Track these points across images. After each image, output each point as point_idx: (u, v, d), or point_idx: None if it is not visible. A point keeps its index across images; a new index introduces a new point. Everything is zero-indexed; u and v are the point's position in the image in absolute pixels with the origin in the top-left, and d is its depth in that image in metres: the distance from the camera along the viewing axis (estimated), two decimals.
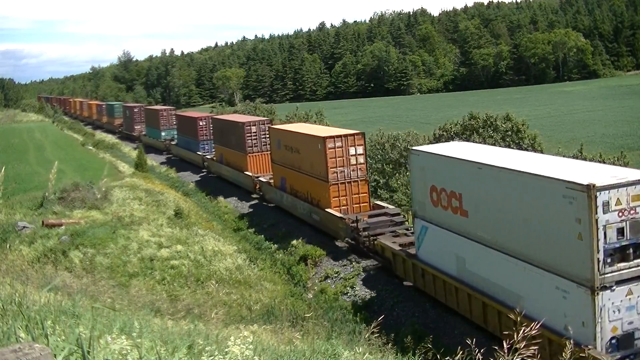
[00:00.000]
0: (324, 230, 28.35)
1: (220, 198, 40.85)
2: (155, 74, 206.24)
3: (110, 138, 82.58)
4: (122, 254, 23.58)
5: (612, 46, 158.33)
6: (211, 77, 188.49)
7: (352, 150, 27.33)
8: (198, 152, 51.82)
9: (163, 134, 64.13)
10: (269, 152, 37.15)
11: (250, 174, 39.40)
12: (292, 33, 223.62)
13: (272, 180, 36.01)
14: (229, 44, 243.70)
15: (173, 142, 61.80)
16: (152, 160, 56.39)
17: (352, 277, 24.98)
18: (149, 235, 25.92)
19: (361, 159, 27.55)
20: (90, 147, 67.61)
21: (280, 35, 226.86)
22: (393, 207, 28.01)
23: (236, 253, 26.70)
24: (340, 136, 27.48)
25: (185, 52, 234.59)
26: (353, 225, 25.27)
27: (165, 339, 5.93)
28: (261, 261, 26.83)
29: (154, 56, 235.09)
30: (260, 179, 38.02)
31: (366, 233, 24.59)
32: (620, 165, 25.85)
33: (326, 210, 27.63)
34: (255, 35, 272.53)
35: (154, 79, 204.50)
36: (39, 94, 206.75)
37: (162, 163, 57.79)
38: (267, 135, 37.94)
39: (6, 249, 22.13)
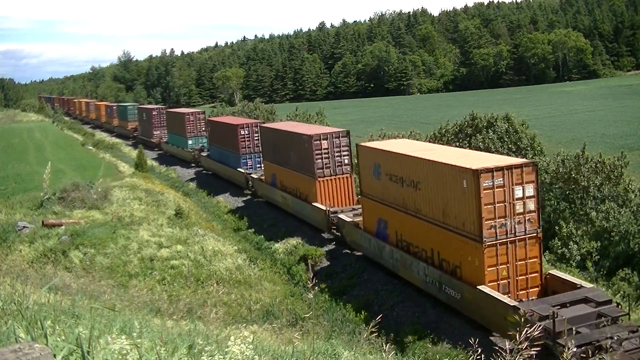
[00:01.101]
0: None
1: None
2: (155, 74, 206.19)
3: (111, 139, 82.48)
4: (122, 254, 23.58)
5: (612, 46, 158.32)
6: (211, 77, 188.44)
7: (518, 192, 17.42)
8: (239, 169, 42.13)
9: (190, 142, 56.12)
10: (353, 175, 30.41)
11: (322, 206, 29.20)
12: (292, 33, 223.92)
13: (359, 221, 25.77)
14: (229, 44, 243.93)
15: (204, 153, 53.03)
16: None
17: (352, 277, 24.98)
18: (149, 235, 25.92)
19: (531, 205, 17.56)
20: (90, 147, 67.67)
21: (280, 35, 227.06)
22: (586, 282, 17.63)
23: (236, 253, 26.69)
24: (501, 168, 17.32)
25: (185, 52, 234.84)
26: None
27: (165, 339, 5.93)
28: (261, 261, 26.82)
29: (154, 56, 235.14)
30: (340, 215, 27.72)
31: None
32: (621, 165, 25.86)
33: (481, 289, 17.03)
34: (255, 35, 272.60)
35: (154, 79, 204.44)
36: (40, 94, 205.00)
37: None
38: (347, 153, 30.39)
39: (6, 249, 22.15)
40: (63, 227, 25.62)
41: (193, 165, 54.87)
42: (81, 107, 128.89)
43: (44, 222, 25.98)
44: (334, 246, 28.32)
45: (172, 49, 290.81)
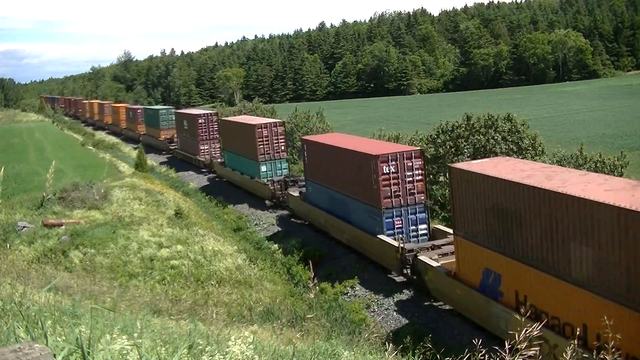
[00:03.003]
0: None
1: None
2: (155, 74, 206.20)
3: (111, 138, 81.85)
4: (122, 254, 23.57)
5: (612, 46, 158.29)
6: (211, 77, 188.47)
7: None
8: (380, 237, 24.39)
9: (263, 168, 39.44)
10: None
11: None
12: (292, 33, 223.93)
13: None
14: (229, 44, 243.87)
15: (295, 192, 34.53)
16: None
17: (352, 277, 25.00)
18: (149, 235, 25.91)
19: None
20: (90, 147, 67.61)
21: (280, 35, 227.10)
22: None
23: (236, 253, 26.69)
24: None
25: (185, 52, 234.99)
26: None
27: (165, 339, 5.93)
28: (261, 261, 26.82)
29: (154, 56, 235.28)
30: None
31: None
32: (621, 165, 25.89)
33: None
34: (255, 35, 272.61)
35: (154, 79, 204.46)
36: (43, 95, 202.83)
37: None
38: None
39: (6, 249, 22.14)
40: (63, 227, 25.62)
41: (270, 203, 38.05)
42: (92, 110, 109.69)
43: (44, 222, 25.97)
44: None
45: (172, 49, 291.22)
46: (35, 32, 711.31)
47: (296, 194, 34.05)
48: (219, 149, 51.67)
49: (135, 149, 63.60)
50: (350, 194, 26.75)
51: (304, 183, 33.39)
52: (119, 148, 70.17)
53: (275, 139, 39.21)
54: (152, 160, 58.34)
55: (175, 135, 63.32)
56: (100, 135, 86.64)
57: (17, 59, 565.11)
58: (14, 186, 36.02)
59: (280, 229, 34.51)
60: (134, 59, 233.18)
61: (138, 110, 79.07)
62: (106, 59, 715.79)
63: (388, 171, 24.13)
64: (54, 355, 3.06)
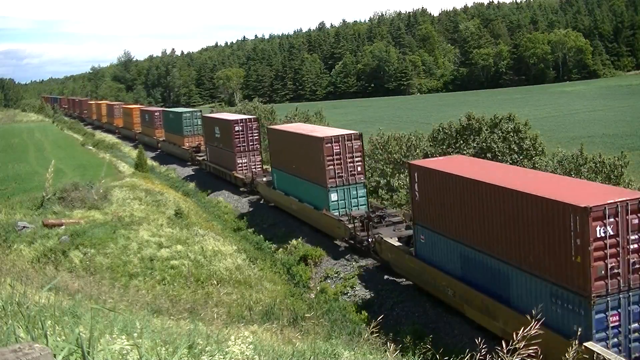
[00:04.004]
0: None
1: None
2: (155, 74, 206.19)
3: (111, 138, 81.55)
4: (122, 254, 23.58)
5: (612, 46, 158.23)
6: (211, 77, 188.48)
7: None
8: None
9: (334, 196, 29.29)
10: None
11: None
12: (292, 33, 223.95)
13: None
14: (229, 44, 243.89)
15: (392, 239, 24.39)
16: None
17: (352, 277, 24.99)
18: (149, 235, 25.92)
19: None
20: (90, 147, 67.60)
21: (280, 35, 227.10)
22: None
23: (236, 253, 26.69)
24: None
25: (185, 52, 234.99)
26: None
27: (165, 339, 5.93)
28: (261, 261, 26.83)
29: (154, 56, 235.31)
30: None
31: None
32: (621, 165, 25.85)
33: None
34: (255, 35, 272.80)
35: (154, 79, 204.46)
36: (45, 95, 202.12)
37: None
38: None
39: (6, 249, 22.14)
40: (63, 227, 25.62)
41: (343, 244, 28.29)
42: (100, 111, 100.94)
43: (44, 222, 25.98)
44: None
45: (173, 49, 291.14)
46: (36, 32, 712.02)
47: (395, 243, 23.54)
48: (259, 163, 42.61)
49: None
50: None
51: (398, 219, 26.25)
52: (119, 148, 70.14)
53: (350, 157, 29.21)
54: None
55: (203, 144, 52.70)
56: (100, 135, 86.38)
57: (18, 59, 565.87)
58: (14, 186, 36.04)
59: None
60: (134, 59, 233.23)
61: (155, 113, 68.73)
62: (106, 59, 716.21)
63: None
64: (54, 355, 3.06)
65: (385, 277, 24.09)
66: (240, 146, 42.50)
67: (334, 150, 28.94)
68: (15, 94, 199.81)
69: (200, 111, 61.79)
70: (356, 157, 29.40)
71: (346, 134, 29.48)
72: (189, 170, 53.55)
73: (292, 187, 33.69)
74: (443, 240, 20.03)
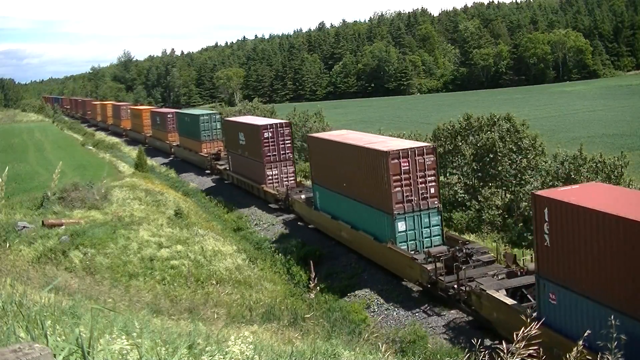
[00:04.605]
0: None
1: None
2: (155, 74, 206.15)
3: (111, 138, 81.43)
4: (122, 254, 23.59)
5: (612, 46, 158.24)
6: (211, 77, 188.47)
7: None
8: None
9: (401, 226, 23.36)
10: None
11: None
12: (292, 33, 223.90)
13: None
14: (229, 44, 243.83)
15: (494, 292, 18.52)
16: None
17: (352, 277, 24.98)
18: (149, 235, 25.93)
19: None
20: (90, 147, 67.61)
21: (280, 35, 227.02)
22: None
23: (236, 253, 26.70)
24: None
25: (185, 52, 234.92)
26: None
27: (165, 339, 5.93)
28: (261, 261, 26.83)
29: (154, 56, 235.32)
30: None
31: None
32: (621, 165, 25.87)
33: None
34: (255, 35, 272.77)
35: (154, 79, 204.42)
36: (45, 95, 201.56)
37: None
38: None
39: (6, 249, 22.13)
40: (63, 227, 25.63)
41: (417, 288, 22.69)
42: (105, 112, 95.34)
43: (44, 222, 25.98)
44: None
45: (173, 49, 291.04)
46: (36, 32, 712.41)
47: (506, 300, 17.67)
48: (292, 175, 37.44)
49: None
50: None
51: (489, 257, 21.19)
52: (119, 148, 70.14)
53: (422, 176, 23.27)
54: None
55: (223, 150, 48.25)
56: (100, 135, 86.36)
57: (18, 58, 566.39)
58: (14, 186, 36.00)
59: None
60: (134, 59, 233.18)
61: (168, 115, 63.11)
62: (106, 59, 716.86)
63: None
64: (54, 355, 3.06)
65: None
66: (270, 155, 36.97)
67: (402, 168, 22.88)
68: (15, 94, 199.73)
69: (220, 114, 57.09)
70: (429, 175, 23.24)
71: (417, 147, 23.47)
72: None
73: (341, 210, 27.36)
74: (593, 308, 13.84)
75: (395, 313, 21.31)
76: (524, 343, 4.32)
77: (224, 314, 17.65)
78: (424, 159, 23.24)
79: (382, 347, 7.23)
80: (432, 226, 23.40)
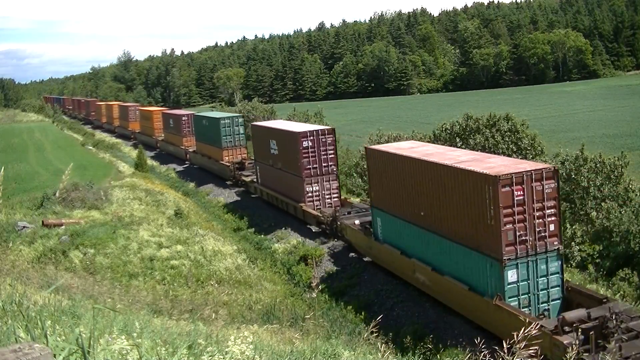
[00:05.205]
0: None
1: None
2: (155, 74, 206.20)
3: (111, 138, 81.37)
4: (122, 254, 23.59)
5: (612, 46, 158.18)
6: (211, 77, 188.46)
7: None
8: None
9: (512, 276, 17.30)
10: None
11: None
12: (292, 33, 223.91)
13: None
14: (229, 44, 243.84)
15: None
16: None
17: (352, 277, 24.98)
18: (149, 235, 25.93)
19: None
20: (90, 147, 67.61)
21: (280, 35, 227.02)
22: None
23: (236, 253, 26.70)
24: None
25: (185, 52, 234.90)
26: None
27: (165, 339, 5.93)
28: (261, 261, 26.83)
29: (154, 56, 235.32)
30: None
31: None
32: (621, 165, 25.86)
33: None
34: (255, 35, 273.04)
35: (154, 79, 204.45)
36: (44, 95, 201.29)
37: None
38: None
39: (6, 249, 22.13)
40: (63, 227, 25.63)
41: None
42: (110, 113, 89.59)
43: (44, 222, 25.98)
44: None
45: (172, 49, 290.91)
46: (36, 32, 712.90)
47: None
48: (336, 192, 31.60)
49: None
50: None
51: None
52: (119, 148, 70.14)
53: (540, 208, 17.41)
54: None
55: (248, 159, 43.99)
56: (100, 135, 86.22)
57: (18, 58, 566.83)
58: (14, 186, 36.00)
59: None
60: (134, 59, 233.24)
61: (183, 117, 56.75)
62: (106, 59, 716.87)
63: None
64: (54, 355, 3.06)
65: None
66: (310, 168, 31.01)
67: (516, 199, 17.02)
68: (16, 94, 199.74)
69: (242, 116, 50.39)
70: (549, 207, 17.52)
71: (533, 170, 17.43)
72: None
73: (415, 245, 21.55)
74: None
75: (395, 313, 21.31)
76: None
77: (224, 314, 17.65)
78: (542, 185, 17.34)
79: (380, 347, 7.22)
80: (550, 274, 17.82)
